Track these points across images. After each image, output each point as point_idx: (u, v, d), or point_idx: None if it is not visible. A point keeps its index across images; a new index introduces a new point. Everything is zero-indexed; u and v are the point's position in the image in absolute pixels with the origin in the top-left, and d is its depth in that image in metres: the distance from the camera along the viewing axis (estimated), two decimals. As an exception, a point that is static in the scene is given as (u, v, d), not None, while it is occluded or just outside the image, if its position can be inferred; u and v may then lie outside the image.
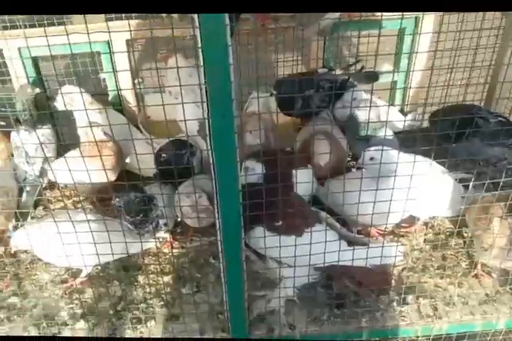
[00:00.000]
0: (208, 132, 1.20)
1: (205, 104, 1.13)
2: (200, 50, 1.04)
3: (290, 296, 1.52)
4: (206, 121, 1.18)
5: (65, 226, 1.53)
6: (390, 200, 1.42)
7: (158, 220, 1.67)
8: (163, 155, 1.91)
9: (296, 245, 1.39)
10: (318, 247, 1.40)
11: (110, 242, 1.47)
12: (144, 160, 2.05)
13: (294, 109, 2.19)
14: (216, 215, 1.31)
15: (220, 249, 1.34)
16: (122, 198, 1.63)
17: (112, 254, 1.49)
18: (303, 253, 1.40)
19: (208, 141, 1.22)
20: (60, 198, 2.03)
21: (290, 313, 1.51)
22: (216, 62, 1.05)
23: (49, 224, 1.60)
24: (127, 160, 2.10)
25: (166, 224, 1.69)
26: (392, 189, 1.43)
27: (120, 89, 2.30)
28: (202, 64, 1.06)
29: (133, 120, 2.29)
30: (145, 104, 2.37)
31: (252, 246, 1.51)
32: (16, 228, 1.83)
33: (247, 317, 1.43)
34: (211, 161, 1.25)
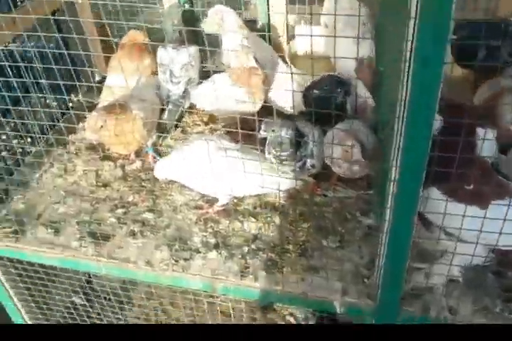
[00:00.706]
0: (407, 59, 0.93)
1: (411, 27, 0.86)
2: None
3: (454, 276, 1.28)
4: (408, 43, 0.91)
5: (209, 152, 1.42)
6: None
7: (306, 160, 1.48)
8: (315, 91, 1.69)
9: (484, 218, 1.13)
10: (505, 226, 1.12)
11: (261, 174, 1.32)
12: (287, 96, 1.89)
13: (474, 59, 1.82)
14: (394, 163, 1.07)
15: (388, 204, 1.12)
16: (271, 130, 1.45)
17: (262, 187, 1.35)
18: (482, 228, 1.14)
19: (405, 70, 0.96)
20: (198, 122, 1.93)
21: (451, 296, 1.27)
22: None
23: (194, 147, 1.50)
24: (270, 95, 1.91)
25: (313, 166, 1.50)
26: None
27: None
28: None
29: (279, 52, 2.08)
30: (295, 36, 2.15)
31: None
32: (153, 144, 1.78)
33: (402, 288, 1.22)
34: (402, 95, 1.00)
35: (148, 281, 1.44)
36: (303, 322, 2.08)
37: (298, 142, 1.45)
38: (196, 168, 1.47)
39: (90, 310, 1.74)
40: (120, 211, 1.56)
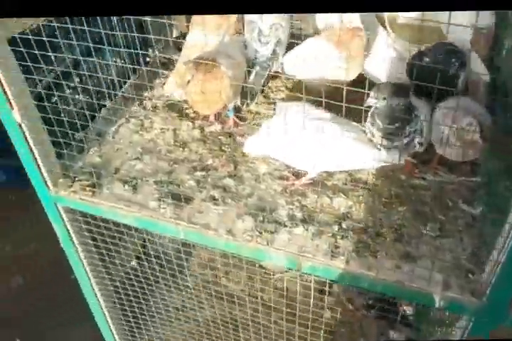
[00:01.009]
0: None
1: None
2: None
3: None
4: None
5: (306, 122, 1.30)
6: None
7: (415, 136, 1.33)
8: (426, 58, 1.51)
9: None
10: None
11: (360, 147, 1.19)
12: (386, 65, 1.72)
13: None
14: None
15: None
16: (382, 97, 1.30)
17: (360, 162, 1.22)
18: None
19: None
20: (282, 88, 1.80)
21: None
22: None
23: (288, 117, 1.37)
24: (365, 63, 1.74)
25: (421, 144, 1.34)
26: None
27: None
28: None
29: (379, 17, 1.89)
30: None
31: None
32: (235, 108, 1.67)
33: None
34: None
35: (228, 251, 1.36)
36: (363, 310, 1.99)
37: (409, 115, 1.30)
38: (290, 139, 1.34)
39: (158, 274, 1.70)
40: (199, 174, 1.47)
